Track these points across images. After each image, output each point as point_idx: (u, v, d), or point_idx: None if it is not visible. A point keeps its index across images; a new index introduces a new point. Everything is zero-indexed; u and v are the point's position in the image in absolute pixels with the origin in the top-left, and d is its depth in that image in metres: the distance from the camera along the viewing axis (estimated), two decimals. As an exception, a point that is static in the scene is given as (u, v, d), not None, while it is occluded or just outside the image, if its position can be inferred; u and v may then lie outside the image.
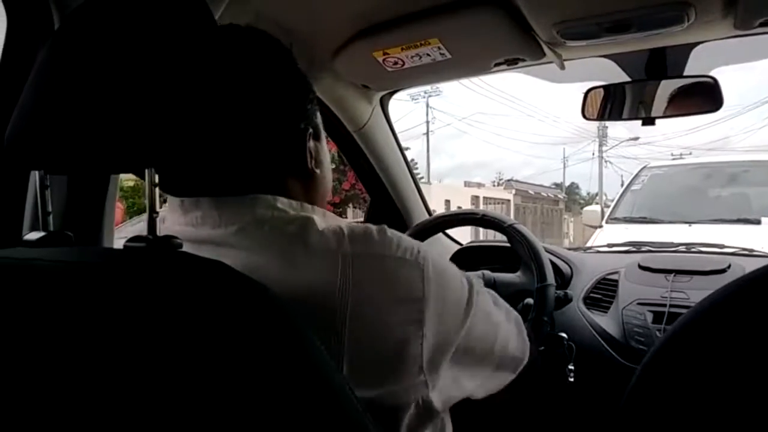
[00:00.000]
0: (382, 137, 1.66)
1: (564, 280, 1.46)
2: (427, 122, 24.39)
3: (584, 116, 1.37)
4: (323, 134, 0.72)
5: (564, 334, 1.31)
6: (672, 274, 1.35)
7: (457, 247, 1.79)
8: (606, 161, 25.43)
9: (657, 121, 1.29)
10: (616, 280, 1.42)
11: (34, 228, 0.78)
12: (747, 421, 0.33)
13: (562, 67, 1.24)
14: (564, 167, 32.62)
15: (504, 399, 0.86)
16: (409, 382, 0.58)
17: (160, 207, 0.55)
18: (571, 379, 1.29)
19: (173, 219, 0.65)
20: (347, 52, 1.26)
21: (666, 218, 3.52)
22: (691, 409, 0.36)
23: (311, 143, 0.67)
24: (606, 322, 1.34)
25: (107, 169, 0.72)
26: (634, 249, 1.75)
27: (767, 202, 3.50)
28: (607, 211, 4.12)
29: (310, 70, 0.70)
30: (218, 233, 0.60)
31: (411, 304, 0.58)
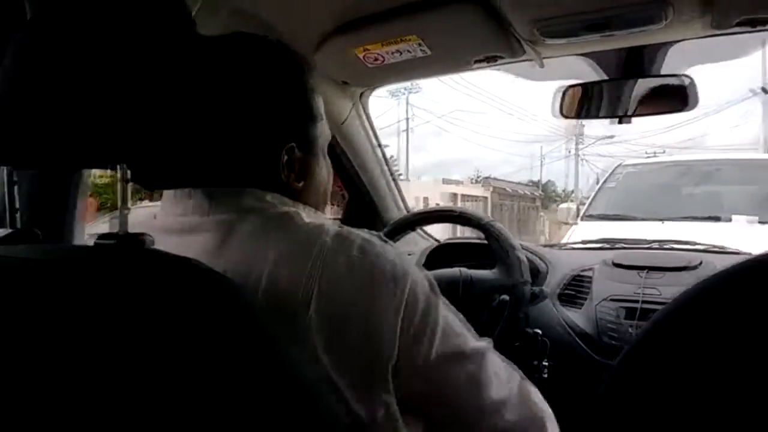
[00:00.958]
0: (361, 134, 1.65)
1: (539, 276, 1.48)
2: (407, 119, 24.41)
3: (562, 114, 1.38)
4: (321, 149, 0.73)
5: (538, 330, 1.33)
6: (645, 271, 1.38)
7: (435, 244, 1.79)
8: (582, 159, 25.78)
9: (633, 119, 1.31)
10: (590, 277, 1.44)
11: (0, 225, 0.76)
12: (723, 415, 0.33)
13: (542, 65, 1.24)
14: (541, 165, 32.97)
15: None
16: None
17: (134, 203, 0.55)
18: (545, 375, 1.30)
19: (166, 210, 0.66)
20: (327, 48, 1.25)
21: (640, 215, 3.56)
22: (667, 404, 0.36)
23: (291, 156, 0.67)
24: (579, 318, 1.36)
25: (77, 165, 0.70)
26: (607, 246, 1.78)
27: (738, 200, 3.58)
28: (582, 209, 4.17)
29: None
30: (205, 221, 0.62)
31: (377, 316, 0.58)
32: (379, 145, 1.73)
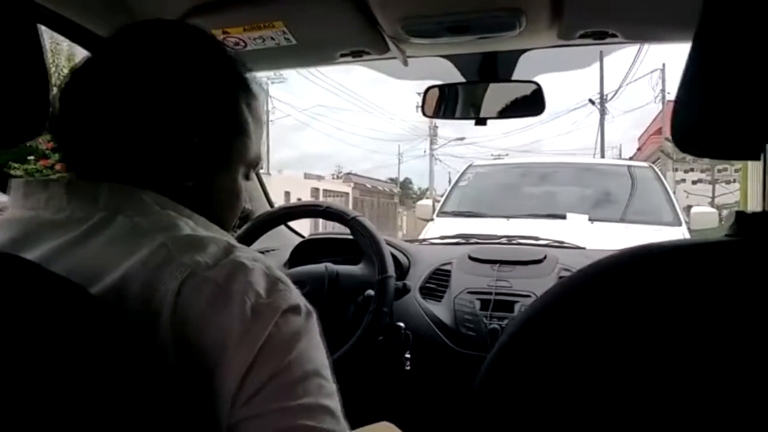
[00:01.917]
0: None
1: (402, 271, 1.51)
2: (267, 111, 23.86)
3: (423, 113, 1.42)
4: (240, 162, 0.65)
5: (401, 324, 1.35)
6: (497, 265, 1.47)
7: (299, 239, 1.76)
8: (436, 159, 27.21)
9: (489, 122, 1.39)
10: (449, 271, 1.50)
11: None
12: (594, 412, 0.35)
13: (405, 64, 1.27)
14: (399, 163, 34.22)
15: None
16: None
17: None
18: (408, 368, 1.33)
19: (14, 202, 0.58)
20: (182, 27, 1.15)
21: (488, 213, 3.79)
22: (538, 401, 0.37)
23: (187, 148, 0.59)
24: (440, 310, 1.41)
25: None
26: (463, 241, 1.87)
27: (570, 200, 3.98)
28: (438, 206, 4.36)
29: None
30: (59, 218, 0.54)
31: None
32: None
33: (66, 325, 0.42)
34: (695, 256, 0.38)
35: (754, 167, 8.70)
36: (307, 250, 1.61)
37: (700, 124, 0.41)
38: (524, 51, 1.26)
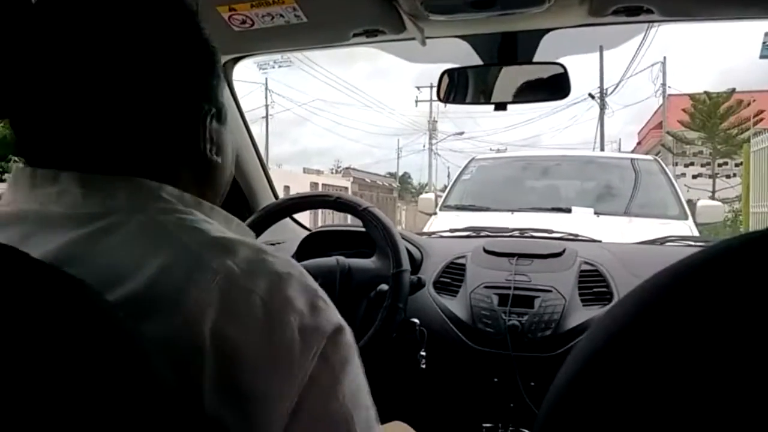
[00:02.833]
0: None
1: (415, 264, 1.44)
2: (266, 105, 23.78)
3: (439, 98, 1.35)
4: (228, 116, 0.60)
5: (416, 320, 1.29)
6: (515, 258, 1.40)
7: (306, 232, 1.69)
8: (435, 153, 27.15)
9: (492, 113, 1.31)
10: (464, 264, 1.43)
11: None
12: None
13: (423, 44, 1.19)
14: (398, 158, 34.15)
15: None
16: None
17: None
18: (423, 366, 1.27)
19: (15, 195, 0.51)
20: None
21: (492, 206, 3.74)
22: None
23: (213, 125, 0.56)
24: (455, 305, 1.35)
25: None
26: (474, 234, 1.81)
27: (575, 193, 3.93)
28: (440, 200, 4.31)
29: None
30: (75, 214, 0.48)
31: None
32: (246, 124, 1.57)
33: (77, 337, 0.36)
34: None
35: (756, 161, 8.65)
36: (315, 243, 1.54)
37: None
38: (548, 31, 1.18)
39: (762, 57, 11.18)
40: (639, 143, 23.12)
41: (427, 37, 1.18)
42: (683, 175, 17.06)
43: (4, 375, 0.32)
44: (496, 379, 1.28)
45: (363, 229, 1.29)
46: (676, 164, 17.07)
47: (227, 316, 0.44)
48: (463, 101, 1.36)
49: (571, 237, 1.71)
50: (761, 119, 14.67)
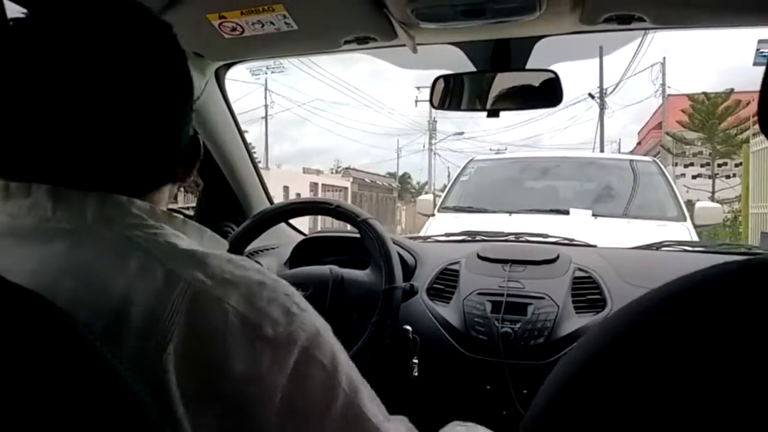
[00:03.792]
0: (217, 115, 1.47)
1: (408, 271, 1.43)
2: (266, 106, 23.77)
3: (432, 104, 1.34)
4: (222, 123, 0.63)
5: (408, 327, 1.28)
6: (508, 264, 1.39)
7: (300, 237, 1.68)
8: (435, 153, 27.15)
9: (496, 114, 1.31)
10: (457, 271, 1.43)
11: None
12: None
13: (415, 51, 1.18)
14: (398, 158, 34.15)
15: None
16: None
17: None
18: (415, 374, 1.26)
19: None
20: (176, 12, 1.08)
21: (490, 208, 3.73)
22: None
23: (188, 132, 0.57)
24: (448, 312, 1.34)
25: None
26: (469, 238, 1.80)
27: (573, 194, 3.92)
28: (439, 200, 4.30)
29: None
30: (45, 228, 0.49)
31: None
32: (239, 128, 1.56)
33: (48, 362, 0.36)
34: None
35: (756, 161, 8.64)
36: (308, 249, 1.53)
37: None
38: (540, 38, 1.18)
39: (755, 64, 11.17)
40: (639, 143, 23.12)
41: (419, 44, 1.18)
42: (683, 175, 17.06)
43: None
44: (488, 387, 1.27)
45: (358, 236, 1.29)
46: (676, 164, 17.07)
47: (198, 329, 0.44)
48: (456, 108, 1.35)
49: (566, 242, 1.70)
50: (761, 119, 14.58)
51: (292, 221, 1.82)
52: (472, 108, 1.34)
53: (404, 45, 1.18)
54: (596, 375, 0.31)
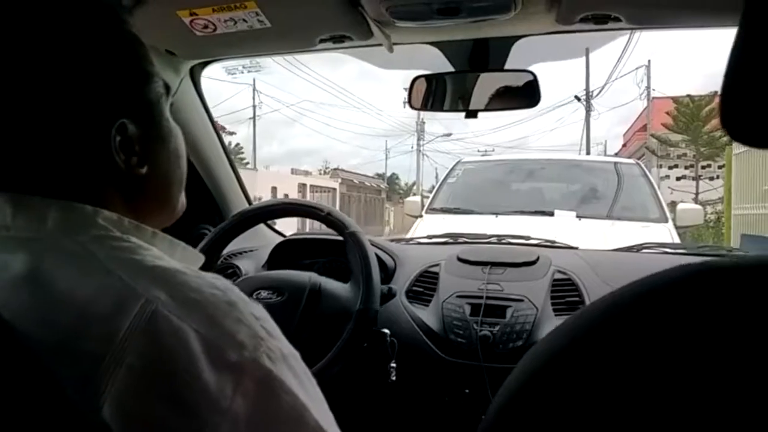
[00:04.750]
0: (192, 114, 1.45)
1: (388, 273, 1.42)
2: (254, 106, 23.69)
3: (410, 105, 1.33)
4: (165, 119, 0.56)
5: (386, 331, 1.26)
6: (488, 267, 1.38)
7: (279, 238, 1.66)
8: (423, 155, 27.22)
9: (478, 115, 1.29)
10: (437, 273, 1.41)
11: None
12: None
13: (391, 50, 1.17)
14: (386, 159, 34.23)
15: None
16: None
17: None
18: (393, 378, 1.24)
19: None
20: (145, 9, 1.05)
21: (477, 209, 3.75)
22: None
23: (125, 135, 0.50)
24: (427, 315, 1.33)
25: None
26: (451, 241, 1.79)
27: (558, 196, 3.94)
28: (426, 202, 4.30)
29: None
30: (5, 237, 0.46)
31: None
32: (215, 128, 1.54)
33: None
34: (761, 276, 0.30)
35: (738, 164, 8.75)
36: (287, 251, 1.51)
37: (755, 113, 0.33)
38: (518, 38, 1.17)
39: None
40: (624, 145, 23.33)
41: (395, 44, 1.16)
42: (667, 177, 17.21)
43: None
44: (467, 391, 1.26)
45: (339, 238, 1.26)
46: (661, 166, 17.22)
47: (156, 351, 0.41)
48: (435, 108, 1.34)
49: (548, 244, 1.70)
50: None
51: (277, 224, 1.80)
52: (450, 109, 1.32)
53: (381, 44, 1.16)
54: (547, 380, 0.31)
